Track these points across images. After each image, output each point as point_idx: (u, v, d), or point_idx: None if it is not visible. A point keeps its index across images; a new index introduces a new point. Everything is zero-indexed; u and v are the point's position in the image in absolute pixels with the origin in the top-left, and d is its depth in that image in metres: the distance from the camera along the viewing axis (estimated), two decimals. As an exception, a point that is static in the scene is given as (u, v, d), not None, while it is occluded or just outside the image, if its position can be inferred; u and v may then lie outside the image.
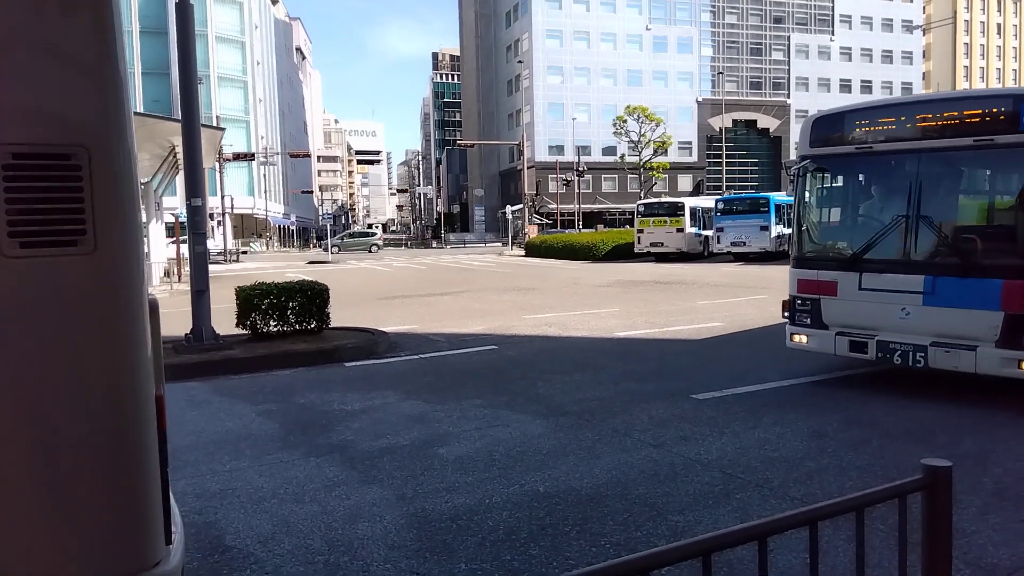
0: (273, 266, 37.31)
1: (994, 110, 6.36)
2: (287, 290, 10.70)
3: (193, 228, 10.51)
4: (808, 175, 7.73)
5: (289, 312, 10.65)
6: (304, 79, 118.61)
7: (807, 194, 7.84)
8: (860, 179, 7.85)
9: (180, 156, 15.82)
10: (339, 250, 52.99)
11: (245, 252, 54.34)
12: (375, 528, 4.28)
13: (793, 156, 8.72)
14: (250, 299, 10.52)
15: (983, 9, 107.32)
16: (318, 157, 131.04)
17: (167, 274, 24.83)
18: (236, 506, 4.69)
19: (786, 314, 7.78)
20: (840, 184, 7.94)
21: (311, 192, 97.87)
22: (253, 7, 75.08)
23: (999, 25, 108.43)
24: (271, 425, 6.65)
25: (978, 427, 5.97)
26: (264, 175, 75.61)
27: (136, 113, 22.68)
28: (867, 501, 2.09)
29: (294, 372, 9.07)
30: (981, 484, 4.71)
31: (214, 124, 32.34)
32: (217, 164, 45.40)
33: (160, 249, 25.34)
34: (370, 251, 54.46)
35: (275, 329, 10.64)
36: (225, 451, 5.89)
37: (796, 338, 7.65)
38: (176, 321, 11.73)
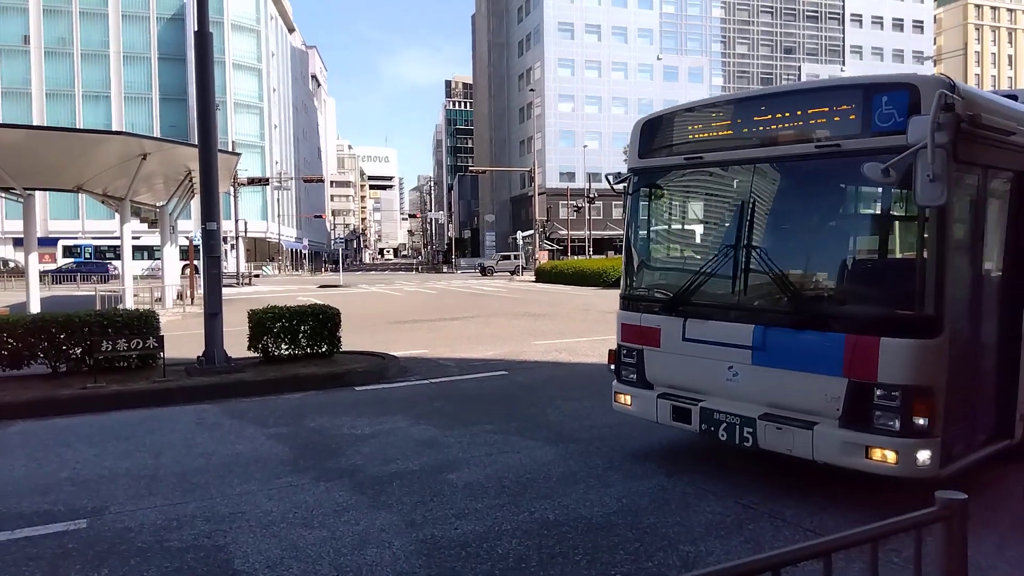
0: (285, 289, 37.49)
1: (842, 106, 4.89)
2: (299, 314, 10.75)
3: (207, 252, 10.61)
4: (637, 193, 6.21)
5: (300, 336, 10.69)
6: (319, 106, 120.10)
7: (635, 217, 6.32)
8: (690, 198, 6.30)
9: (196, 180, 16.04)
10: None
11: (258, 275, 54.67)
12: (384, 554, 4.26)
13: None
14: (262, 322, 10.58)
15: (994, 40, 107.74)
16: (331, 182, 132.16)
17: (180, 296, 25.00)
18: (245, 530, 4.68)
19: (612, 367, 6.25)
20: (670, 204, 6.33)
21: (323, 216, 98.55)
22: (270, 35, 76.36)
23: (1010, 56, 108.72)
24: (281, 448, 6.64)
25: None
26: (278, 199, 76.31)
27: (154, 138, 23.01)
28: (882, 533, 2.07)
29: (305, 395, 9.08)
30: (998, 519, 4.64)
31: (230, 149, 32.74)
32: (232, 188, 45.88)
33: (174, 272, 25.54)
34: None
35: (286, 352, 10.68)
36: (235, 474, 5.88)
37: (620, 398, 6.11)
38: (187, 343, 11.80)
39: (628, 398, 6.04)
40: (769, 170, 5.37)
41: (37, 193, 20.66)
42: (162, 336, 9.76)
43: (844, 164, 4.84)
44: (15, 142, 15.69)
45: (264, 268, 65.70)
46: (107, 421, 7.85)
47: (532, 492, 5.29)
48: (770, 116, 5.32)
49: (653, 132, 6.14)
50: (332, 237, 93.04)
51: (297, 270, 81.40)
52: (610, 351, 6.27)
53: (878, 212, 5.10)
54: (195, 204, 17.33)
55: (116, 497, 5.38)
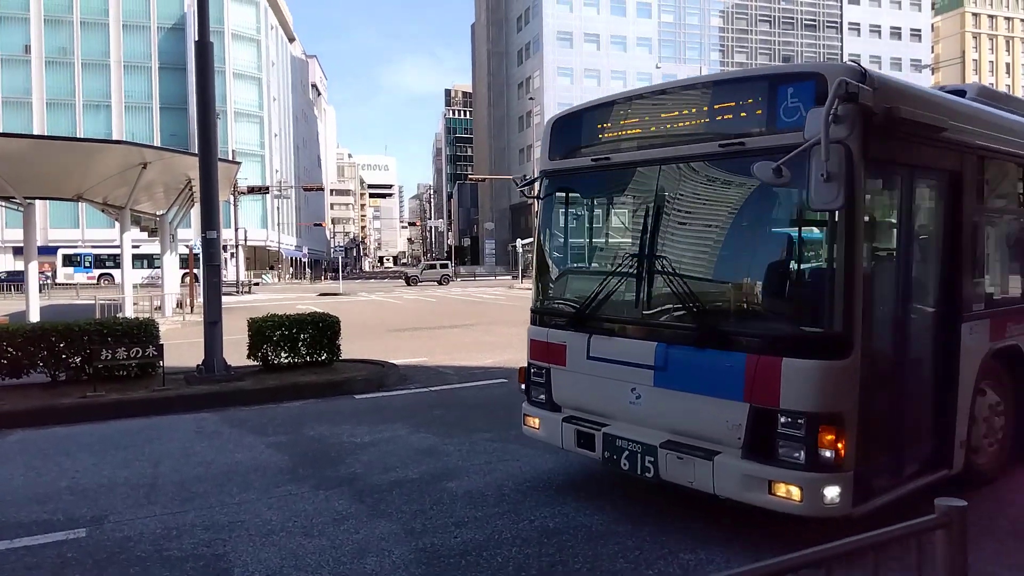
0: (285, 298, 37.49)
1: (748, 100, 4.48)
2: (298, 322, 10.75)
3: (207, 260, 10.62)
4: (549, 198, 5.76)
5: (300, 344, 10.68)
6: (319, 115, 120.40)
7: (545, 223, 5.91)
8: (599, 203, 5.84)
9: (196, 189, 16.06)
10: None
11: (257, 284, 54.67)
12: (383, 563, 4.25)
13: None
14: (262, 331, 10.58)
15: (991, 49, 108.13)
16: (331, 190, 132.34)
17: (179, 305, 24.99)
18: (245, 539, 4.67)
19: (523, 386, 5.77)
20: (579, 210, 5.88)
21: (323, 225, 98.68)
22: (270, 45, 76.60)
23: (1008, 65, 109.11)
24: (280, 457, 6.63)
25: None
26: (278, 208, 76.36)
27: (154, 147, 23.06)
28: (882, 540, 2.08)
29: (304, 404, 9.06)
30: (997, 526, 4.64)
31: (230, 158, 32.80)
32: (232, 197, 45.93)
33: (173, 280, 25.54)
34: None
35: (286, 361, 10.67)
36: (234, 483, 5.87)
37: (529, 421, 5.61)
38: (187, 352, 11.79)
39: (537, 421, 5.52)
40: (675, 172, 4.86)
41: (37, 202, 20.67)
42: (162, 345, 9.75)
43: (750, 164, 4.16)
44: (16, 151, 15.71)
45: (264, 276, 65.69)
46: (106, 430, 7.84)
47: (532, 500, 5.28)
48: (677, 112, 4.91)
49: (564, 131, 5.70)
50: (332, 245, 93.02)
51: (297, 278, 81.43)
52: (520, 369, 5.82)
53: (785, 218, 4.51)
54: (195, 213, 17.34)
55: (115, 506, 5.37)
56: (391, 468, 6.19)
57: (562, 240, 5.95)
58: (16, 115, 62.66)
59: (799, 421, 3.98)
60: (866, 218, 4.15)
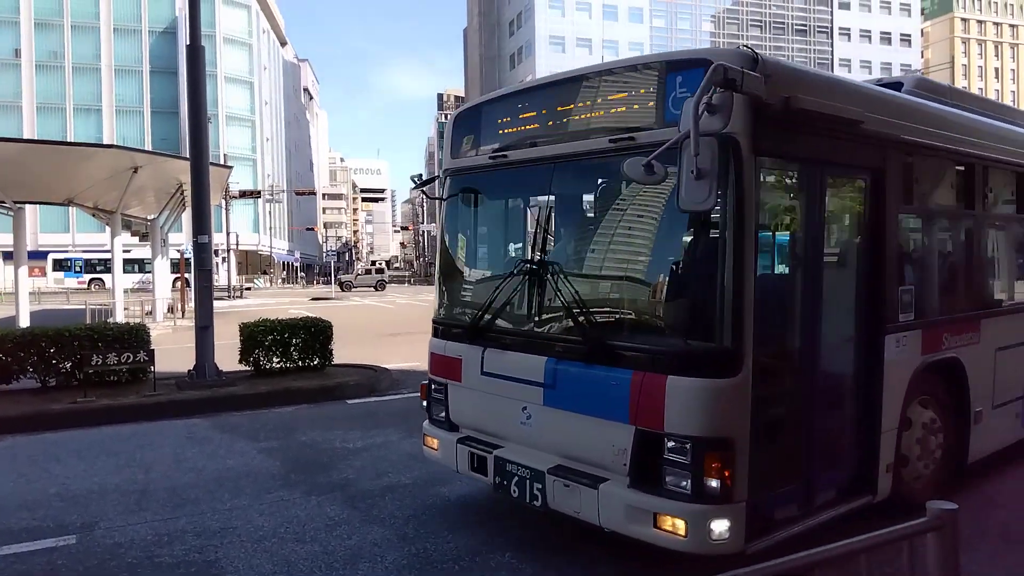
0: (277, 302, 37.34)
1: (640, 91, 4.12)
2: (291, 327, 10.71)
3: (199, 265, 10.57)
4: (452, 199, 5.31)
5: (292, 348, 10.65)
6: (311, 119, 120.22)
7: (447, 226, 5.55)
8: (497, 204, 5.39)
9: (187, 193, 16.02)
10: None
11: (249, 288, 54.47)
12: (376, 569, 4.24)
13: None
14: (254, 335, 10.54)
15: (980, 54, 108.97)
16: (323, 195, 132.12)
17: (171, 310, 24.87)
18: (236, 545, 4.64)
19: (424, 403, 5.33)
20: (478, 212, 5.41)
21: (315, 229, 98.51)
22: (262, 49, 76.46)
23: (997, 69, 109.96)
24: (272, 463, 6.60)
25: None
26: (269, 212, 76.14)
27: (145, 151, 22.95)
28: (874, 544, 2.08)
29: (296, 409, 9.03)
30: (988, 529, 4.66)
31: (222, 162, 32.71)
32: (223, 201, 45.79)
33: (165, 285, 25.42)
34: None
35: (277, 366, 10.63)
36: (226, 489, 5.84)
37: (428, 442, 5.16)
38: (178, 357, 11.73)
39: (436, 441, 5.08)
40: (568, 170, 4.47)
41: (27, 206, 20.57)
42: (152, 350, 9.70)
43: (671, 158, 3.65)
44: (6, 156, 15.63)
45: (256, 281, 65.46)
46: (97, 436, 7.79)
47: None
48: (572, 105, 4.46)
49: (466, 127, 5.25)
50: (324, 249, 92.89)
51: (290, 283, 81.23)
52: (422, 385, 5.35)
53: (676, 221, 3.93)
54: (186, 217, 17.26)
55: (106, 512, 5.34)
56: (383, 473, 6.17)
57: (461, 244, 5.53)
58: (6, 119, 62.29)
59: (684, 447, 3.57)
60: (775, 220, 3.83)
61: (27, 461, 6.82)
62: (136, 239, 26.70)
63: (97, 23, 66.19)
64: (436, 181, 5.71)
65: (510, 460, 4.38)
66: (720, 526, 3.51)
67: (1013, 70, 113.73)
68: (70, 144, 29.98)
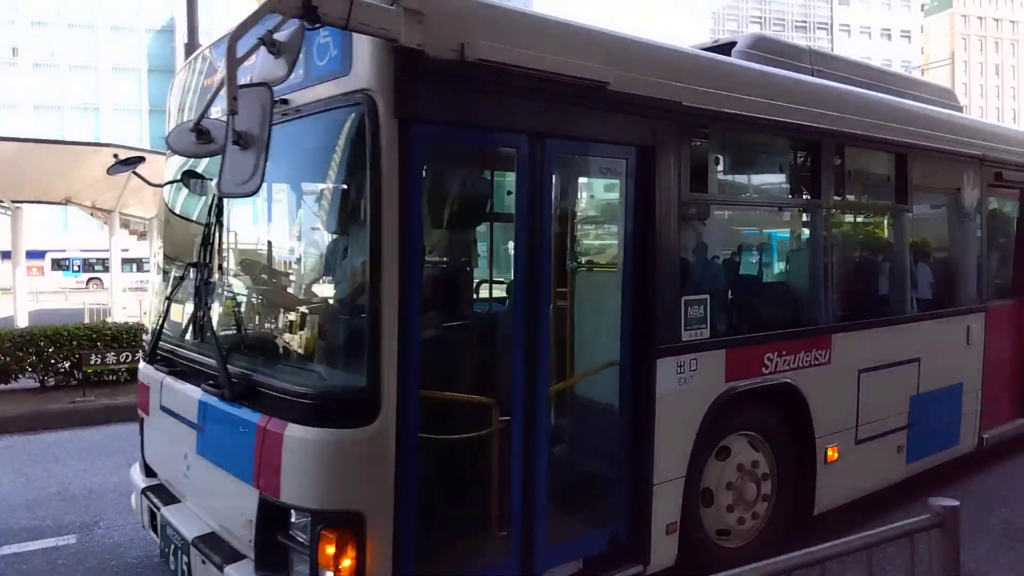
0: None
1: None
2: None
3: (198, 263, 10.54)
4: (170, 185, 4.38)
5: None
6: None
7: (162, 217, 4.57)
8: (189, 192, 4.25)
9: (186, 192, 15.96)
10: None
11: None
12: None
13: None
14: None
15: (981, 50, 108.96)
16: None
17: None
18: (236, 544, 4.62)
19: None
20: (187, 201, 4.37)
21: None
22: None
23: (997, 66, 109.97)
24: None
25: None
26: (268, 211, 76.28)
27: (143, 150, 22.95)
28: (877, 541, 2.08)
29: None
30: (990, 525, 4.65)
31: (220, 160, 32.62)
32: (222, 200, 45.71)
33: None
34: None
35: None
36: (226, 488, 5.82)
37: (133, 497, 4.16)
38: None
39: (134, 493, 4.15)
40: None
41: (25, 205, 20.54)
42: (152, 349, 9.68)
43: (300, 132, 2.97)
44: (3, 155, 15.60)
45: (255, 280, 65.56)
46: (96, 435, 7.78)
47: None
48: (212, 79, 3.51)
49: (178, 96, 4.22)
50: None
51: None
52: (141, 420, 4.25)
53: (325, 215, 3.06)
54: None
55: (105, 512, 5.33)
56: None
57: (168, 240, 4.36)
58: (3, 118, 62.30)
59: (303, 521, 2.74)
60: (453, 211, 3.04)
61: (27, 461, 6.81)
62: (134, 238, 26.67)
63: (94, 22, 66.17)
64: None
65: (171, 523, 3.44)
66: None
67: (1013, 66, 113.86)
68: (68, 143, 29.91)
